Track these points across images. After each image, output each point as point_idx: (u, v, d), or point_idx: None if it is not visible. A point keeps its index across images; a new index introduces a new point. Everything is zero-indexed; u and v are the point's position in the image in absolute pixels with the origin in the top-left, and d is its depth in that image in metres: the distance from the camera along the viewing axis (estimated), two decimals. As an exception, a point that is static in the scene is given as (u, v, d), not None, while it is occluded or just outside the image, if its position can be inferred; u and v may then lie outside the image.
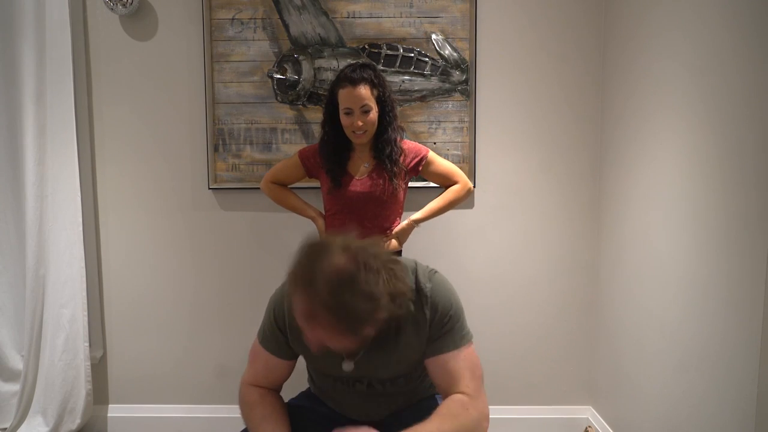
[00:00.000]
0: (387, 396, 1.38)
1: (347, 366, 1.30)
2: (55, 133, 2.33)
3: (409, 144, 2.13)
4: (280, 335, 1.36)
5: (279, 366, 1.38)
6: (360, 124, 1.95)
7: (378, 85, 1.98)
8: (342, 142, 2.04)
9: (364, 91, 1.94)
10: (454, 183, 2.17)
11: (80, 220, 2.39)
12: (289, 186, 2.22)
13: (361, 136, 1.98)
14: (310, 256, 1.14)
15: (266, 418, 1.30)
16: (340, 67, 2.39)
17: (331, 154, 2.04)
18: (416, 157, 2.11)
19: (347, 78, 1.95)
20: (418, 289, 1.29)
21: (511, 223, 2.50)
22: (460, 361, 1.28)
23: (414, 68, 2.42)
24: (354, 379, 1.35)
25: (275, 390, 1.41)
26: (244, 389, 1.39)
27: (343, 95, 1.95)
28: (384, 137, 2.01)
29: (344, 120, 1.97)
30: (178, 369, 2.57)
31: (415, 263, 1.34)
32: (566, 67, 2.44)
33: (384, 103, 2.00)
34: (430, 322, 1.28)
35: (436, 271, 1.34)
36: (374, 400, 1.38)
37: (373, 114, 1.97)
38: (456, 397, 1.25)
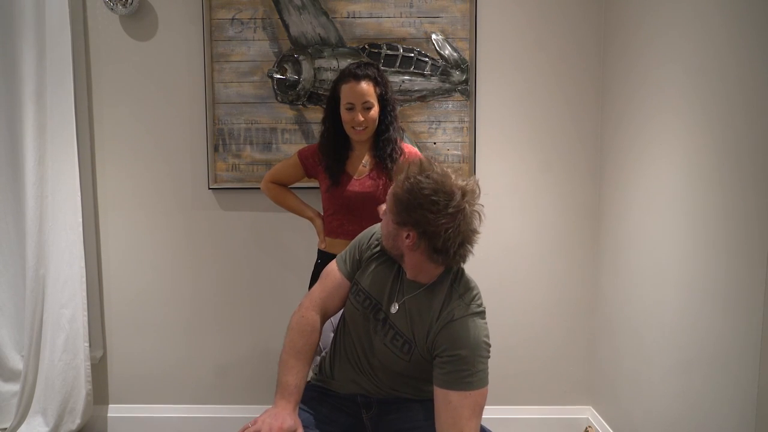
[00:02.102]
0: (382, 345, 1.46)
1: (393, 308, 1.45)
2: (55, 133, 2.33)
3: (409, 147, 2.13)
4: (356, 255, 1.55)
5: (341, 287, 1.54)
6: (361, 119, 1.95)
7: (381, 83, 1.98)
8: (341, 140, 2.04)
9: (367, 87, 1.94)
10: None
11: (80, 220, 2.39)
12: (288, 186, 2.22)
13: (360, 132, 1.98)
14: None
15: (299, 355, 1.44)
16: (340, 67, 2.39)
17: (330, 150, 2.04)
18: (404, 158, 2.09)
19: (351, 73, 1.96)
20: (452, 304, 1.38)
21: (510, 223, 2.50)
22: (463, 399, 1.31)
23: (414, 68, 2.42)
24: (381, 309, 1.47)
25: (323, 321, 1.55)
26: (305, 309, 1.51)
27: (346, 90, 1.95)
28: (385, 136, 2.01)
29: (345, 115, 1.97)
30: (178, 369, 2.57)
31: (476, 289, 1.46)
32: (566, 67, 2.44)
33: (386, 102, 2.00)
34: (432, 344, 1.38)
35: (481, 312, 1.41)
36: (376, 339, 1.47)
37: (374, 111, 1.97)
38: None
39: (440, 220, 1.29)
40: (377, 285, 1.48)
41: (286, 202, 2.21)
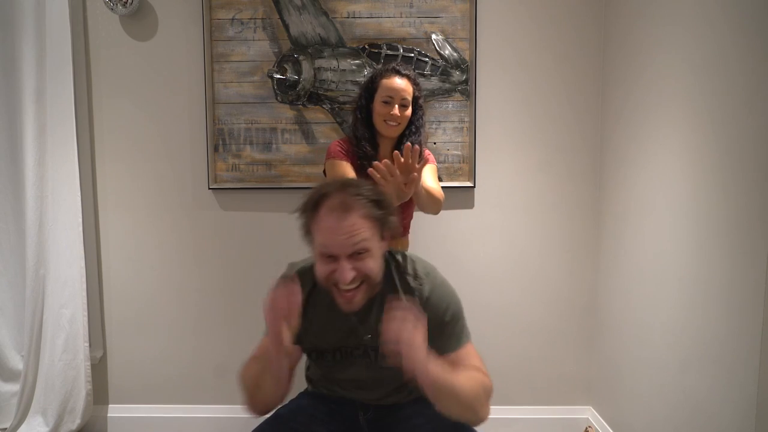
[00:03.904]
0: (379, 369, 1.38)
1: (369, 339, 1.37)
2: (55, 133, 2.33)
3: (428, 151, 2.10)
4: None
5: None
6: (397, 113, 1.96)
7: (417, 88, 2.02)
8: (372, 132, 2.02)
9: (407, 86, 1.97)
10: None
11: (80, 220, 2.39)
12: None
13: (393, 128, 1.98)
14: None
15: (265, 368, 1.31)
16: (341, 68, 2.40)
17: (362, 140, 2.00)
18: (424, 160, 2.06)
19: (395, 70, 1.99)
20: (414, 287, 1.37)
21: (510, 223, 2.50)
22: (464, 356, 1.35)
23: (414, 68, 2.41)
24: (355, 347, 1.40)
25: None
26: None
27: (387, 84, 1.97)
28: (414, 138, 2.01)
29: (381, 108, 1.97)
30: (178, 369, 2.57)
31: (409, 257, 1.43)
32: (566, 66, 2.44)
33: (418, 107, 2.03)
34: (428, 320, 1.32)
35: (434, 270, 1.41)
36: (368, 370, 1.42)
37: (408, 111, 1.99)
38: (473, 368, 1.33)
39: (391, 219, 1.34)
40: (330, 330, 1.39)
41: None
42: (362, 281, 1.29)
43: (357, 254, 1.26)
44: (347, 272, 1.24)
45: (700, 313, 1.68)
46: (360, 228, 1.24)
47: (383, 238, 1.32)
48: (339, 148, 2.05)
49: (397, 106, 1.96)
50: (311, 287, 1.39)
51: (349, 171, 2.01)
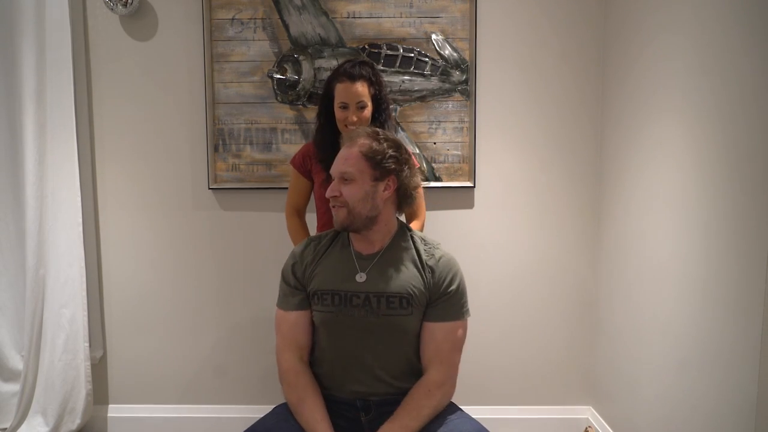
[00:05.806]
0: (379, 318, 1.47)
1: (360, 277, 1.50)
2: (55, 133, 2.34)
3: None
4: (292, 282, 1.55)
5: (300, 321, 1.54)
6: (354, 119, 1.95)
7: (375, 83, 1.99)
8: (336, 135, 2.02)
9: (362, 88, 1.94)
10: (415, 217, 2.10)
11: (80, 220, 2.39)
12: (307, 200, 2.19)
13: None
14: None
15: (303, 401, 1.46)
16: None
17: (326, 145, 2.02)
18: None
19: (346, 73, 1.96)
20: (426, 253, 1.53)
21: (510, 223, 2.50)
22: (447, 334, 1.49)
23: (414, 68, 2.42)
24: (355, 294, 1.48)
25: (305, 357, 1.55)
26: (279, 359, 1.54)
27: (340, 90, 1.96)
28: None
29: (339, 114, 1.98)
30: (178, 369, 2.57)
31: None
32: (566, 66, 2.44)
33: (379, 102, 2.00)
34: (431, 285, 1.49)
35: (441, 247, 1.58)
36: (368, 323, 1.48)
37: (368, 111, 1.97)
38: (423, 384, 1.46)
39: (406, 166, 1.51)
40: (332, 274, 1.51)
41: (293, 239, 2.17)
42: (343, 204, 1.48)
43: (344, 179, 1.47)
44: (331, 188, 1.49)
45: (700, 313, 1.68)
46: (354, 160, 1.46)
47: (376, 180, 1.47)
48: (302, 159, 2.11)
49: (353, 110, 1.94)
50: (332, 237, 1.60)
51: (294, 192, 2.16)
